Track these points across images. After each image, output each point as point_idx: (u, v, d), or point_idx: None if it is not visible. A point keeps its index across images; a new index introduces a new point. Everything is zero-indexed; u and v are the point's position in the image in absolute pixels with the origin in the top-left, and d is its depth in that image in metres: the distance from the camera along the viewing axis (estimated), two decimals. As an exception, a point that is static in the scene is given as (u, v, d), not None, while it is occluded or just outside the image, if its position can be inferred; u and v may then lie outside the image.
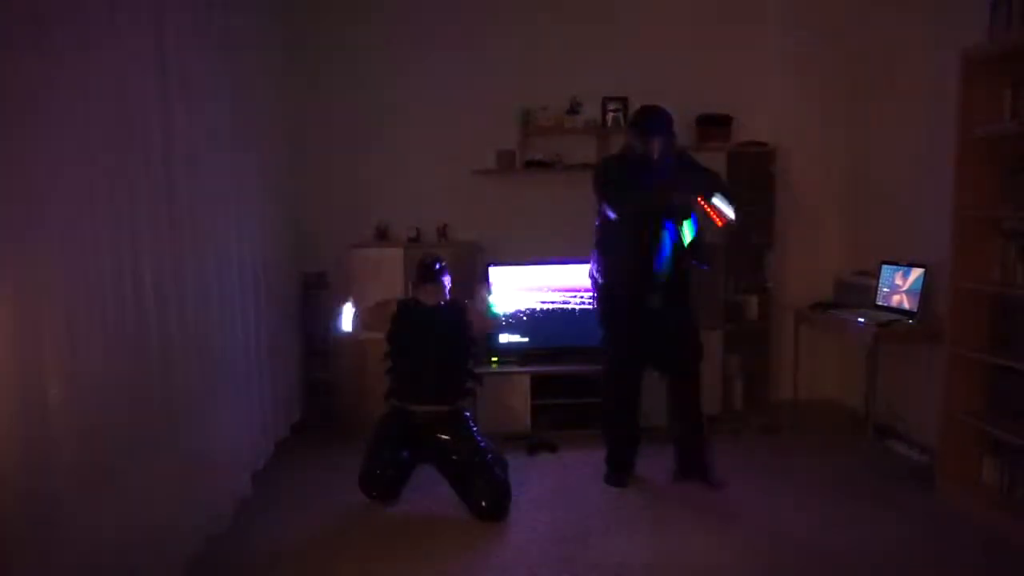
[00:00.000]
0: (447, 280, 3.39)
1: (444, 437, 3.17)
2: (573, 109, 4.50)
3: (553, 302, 4.29)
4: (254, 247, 3.51)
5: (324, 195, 4.52)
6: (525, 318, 4.28)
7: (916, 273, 3.63)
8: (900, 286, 3.74)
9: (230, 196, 3.20)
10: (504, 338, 4.28)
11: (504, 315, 4.22)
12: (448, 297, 3.39)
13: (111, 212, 2.21)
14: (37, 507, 1.85)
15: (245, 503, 3.22)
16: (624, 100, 4.50)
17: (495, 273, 4.25)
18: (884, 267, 3.87)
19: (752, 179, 4.40)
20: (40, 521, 1.86)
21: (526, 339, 4.29)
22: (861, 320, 3.65)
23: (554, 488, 3.43)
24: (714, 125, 4.41)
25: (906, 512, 3.11)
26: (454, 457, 3.15)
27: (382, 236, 4.40)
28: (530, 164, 4.49)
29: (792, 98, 4.57)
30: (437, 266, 3.36)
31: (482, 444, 3.20)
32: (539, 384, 4.16)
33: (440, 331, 3.27)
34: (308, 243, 4.49)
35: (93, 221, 2.11)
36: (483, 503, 3.06)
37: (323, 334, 4.40)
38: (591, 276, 3.53)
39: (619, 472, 3.49)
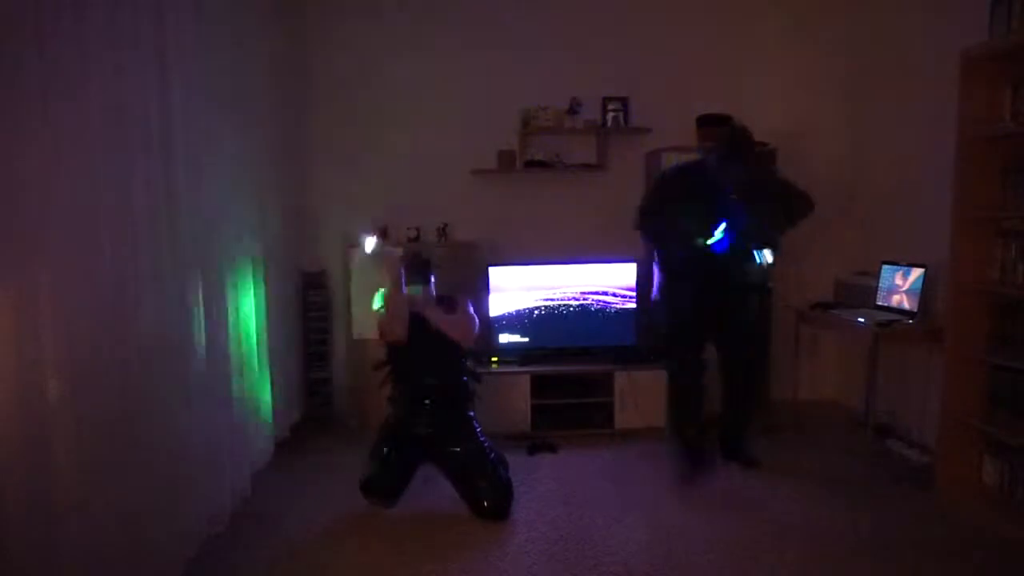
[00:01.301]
0: (432, 281, 3.33)
1: (448, 442, 3.16)
2: (573, 109, 4.50)
3: (553, 301, 4.29)
4: (254, 246, 3.51)
5: (324, 195, 4.52)
6: (525, 318, 4.28)
7: (916, 273, 3.63)
8: (900, 286, 3.74)
9: (229, 194, 3.19)
10: (504, 338, 4.28)
11: (501, 316, 4.23)
12: (435, 297, 3.32)
13: (111, 212, 2.21)
14: (37, 507, 1.85)
15: (245, 503, 3.22)
16: (624, 100, 4.50)
17: (495, 273, 4.25)
18: (884, 267, 3.87)
19: (752, 179, 4.40)
20: (40, 521, 1.86)
21: (526, 339, 4.29)
22: (861, 320, 3.65)
23: (554, 488, 3.43)
24: (714, 125, 4.39)
25: (906, 512, 3.11)
26: (457, 459, 3.15)
27: (382, 236, 4.40)
28: (530, 164, 4.49)
29: (792, 98, 4.57)
30: (431, 277, 3.31)
31: (485, 444, 3.20)
32: (539, 384, 4.16)
33: (434, 335, 3.23)
34: (308, 242, 4.49)
35: (93, 221, 2.11)
36: (486, 503, 3.07)
37: (326, 335, 4.41)
38: (655, 270, 3.69)
39: (697, 463, 3.54)
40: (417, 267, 3.30)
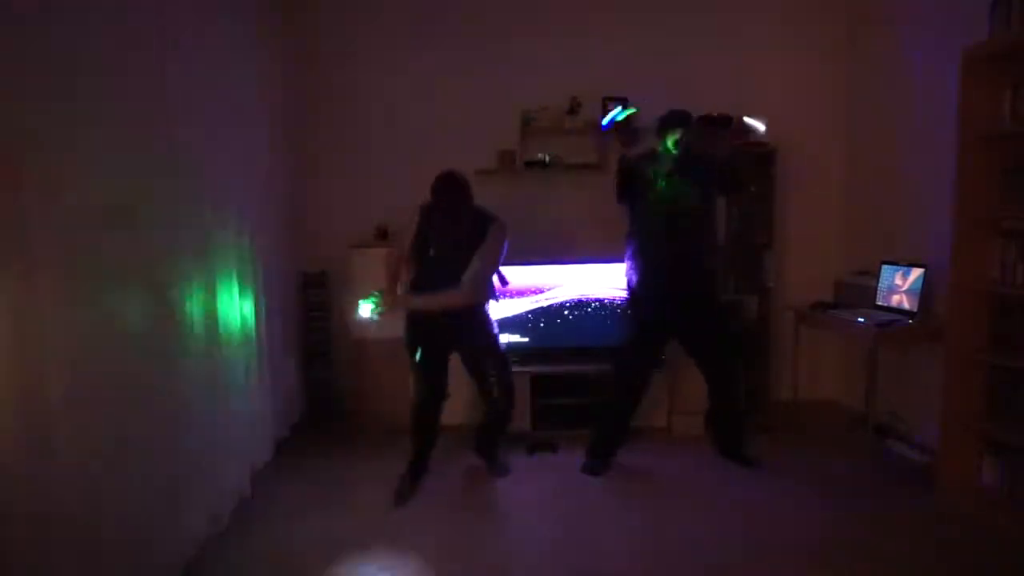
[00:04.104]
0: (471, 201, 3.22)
1: (466, 336, 3.33)
2: (573, 109, 4.50)
3: (553, 301, 4.29)
4: (254, 246, 3.51)
5: (324, 195, 4.52)
6: (525, 318, 4.28)
7: (916, 273, 3.63)
8: (900, 286, 3.74)
9: (230, 195, 3.20)
10: (504, 338, 4.27)
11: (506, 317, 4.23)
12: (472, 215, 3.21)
13: (111, 212, 2.21)
14: (37, 506, 1.85)
15: (245, 503, 3.22)
16: (624, 100, 4.49)
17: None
18: (884, 267, 3.87)
19: (752, 179, 4.40)
20: (40, 520, 1.86)
21: (526, 339, 4.29)
22: (861, 320, 3.65)
23: (554, 488, 3.43)
24: (714, 125, 4.40)
25: (906, 512, 3.11)
26: (473, 351, 3.37)
27: (382, 236, 4.40)
28: (530, 164, 4.49)
29: (792, 98, 4.57)
30: (447, 194, 3.17)
31: (498, 343, 3.42)
32: (539, 384, 4.16)
33: (451, 247, 3.20)
34: (308, 243, 4.49)
35: (93, 221, 2.11)
36: (494, 393, 3.39)
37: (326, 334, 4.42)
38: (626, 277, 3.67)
39: (599, 460, 3.64)
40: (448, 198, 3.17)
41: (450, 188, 3.17)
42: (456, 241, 3.18)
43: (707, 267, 3.59)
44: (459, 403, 3.79)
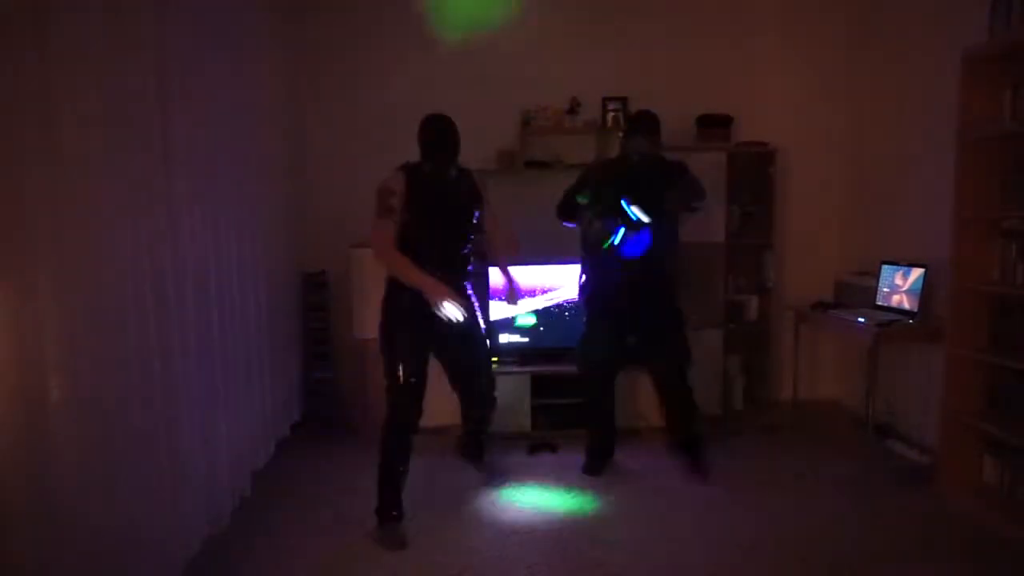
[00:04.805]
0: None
1: (458, 329, 3.00)
2: (573, 109, 4.50)
3: (553, 301, 4.28)
4: (254, 246, 3.51)
5: (324, 195, 4.52)
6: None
7: (916, 273, 3.63)
8: (900, 286, 3.74)
9: (230, 195, 3.20)
10: (504, 338, 4.28)
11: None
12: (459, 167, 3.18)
13: (111, 212, 2.20)
14: (37, 507, 1.85)
15: (245, 503, 3.22)
16: (624, 100, 4.50)
17: (495, 273, 4.24)
18: (884, 267, 3.87)
19: (752, 179, 4.41)
20: (40, 521, 1.86)
21: (526, 339, 4.29)
22: (861, 320, 3.65)
23: (554, 488, 3.43)
24: (714, 125, 4.41)
25: (906, 512, 3.11)
26: (468, 343, 3.17)
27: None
28: (530, 164, 4.49)
29: (792, 98, 4.57)
30: (453, 135, 3.13)
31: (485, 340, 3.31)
32: (539, 384, 4.16)
33: (454, 203, 3.16)
34: (308, 243, 4.49)
35: (93, 221, 2.11)
36: (485, 395, 3.33)
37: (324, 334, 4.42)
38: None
39: (599, 460, 3.62)
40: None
41: (449, 127, 3.12)
42: (450, 200, 3.13)
43: (668, 270, 3.47)
44: (451, 403, 3.78)
